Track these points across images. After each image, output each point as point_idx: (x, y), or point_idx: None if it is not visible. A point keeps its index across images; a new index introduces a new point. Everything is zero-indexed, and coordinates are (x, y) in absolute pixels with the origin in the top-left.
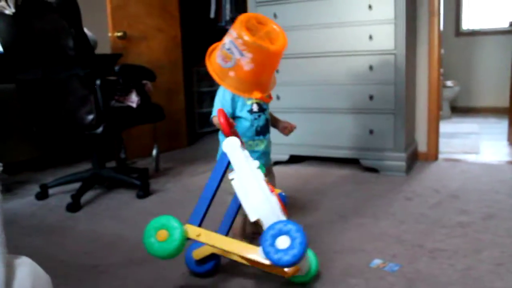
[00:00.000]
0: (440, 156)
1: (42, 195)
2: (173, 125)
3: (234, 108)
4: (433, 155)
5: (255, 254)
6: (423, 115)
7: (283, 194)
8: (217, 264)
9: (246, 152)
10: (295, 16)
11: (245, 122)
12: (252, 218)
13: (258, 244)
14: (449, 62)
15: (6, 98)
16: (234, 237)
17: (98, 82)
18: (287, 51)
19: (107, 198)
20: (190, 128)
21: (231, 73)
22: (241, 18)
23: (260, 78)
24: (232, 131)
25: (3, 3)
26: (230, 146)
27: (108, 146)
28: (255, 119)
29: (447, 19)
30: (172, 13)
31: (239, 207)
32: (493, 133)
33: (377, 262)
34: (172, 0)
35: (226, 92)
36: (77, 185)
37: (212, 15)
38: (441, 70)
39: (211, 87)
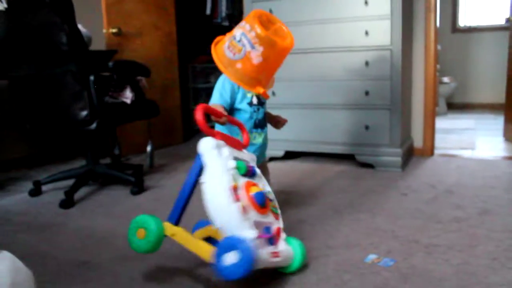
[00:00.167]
0: (436, 151)
1: (35, 191)
2: (168, 121)
3: (233, 99)
4: (429, 150)
5: (209, 259)
6: (419, 111)
7: (262, 193)
8: None
9: (227, 150)
10: (290, 11)
11: (245, 114)
12: (216, 225)
13: None
14: (446, 58)
15: None
16: None
17: (92, 78)
18: None
19: (101, 194)
20: (186, 125)
21: (239, 65)
22: (254, 12)
23: (264, 74)
24: (224, 121)
25: None
26: (204, 147)
27: (103, 143)
28: (254, 111)
29: (443, 15)
30: (167, 10)
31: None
32: (489, 129)
33: (372, 257)
34: None
35: (226, 82)
36: (70, 181)
37: (208, 11)
38: (438, 66)
39: (207, 84)
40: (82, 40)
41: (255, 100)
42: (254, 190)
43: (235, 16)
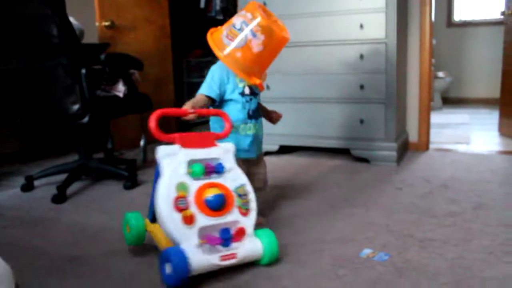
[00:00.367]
0: (431, 146)
1: (28, 186)
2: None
3: (222, 89)
4: (424, 145)
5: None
6: (414, 105)
7: (219, 195)
8: None
9: (182, 155)
10: (284, 4)
11: (236, 105)
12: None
13: None
14: (441, 53)
15: None
16: None
17: (83, 71)
18: None
19: (94, 189)
20: (180, 119)
21: (238, 54)
22: (253, 3)
23: (262, 64)
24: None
25: None
26: (158, 155)
27: (95, 137)
28: (247, 101)
29: (438, 10)
30: (161, 3)
31: None
32: (484, 123)
33: (367, 251)
34: None
35: (216, 72)
36: (63, 176)
37: (202, 5)
38: (433, 61)
39: (201, 78)
40: (74, 32)
41: (247, 90)
42: (209, 193)
43: (229, 10)
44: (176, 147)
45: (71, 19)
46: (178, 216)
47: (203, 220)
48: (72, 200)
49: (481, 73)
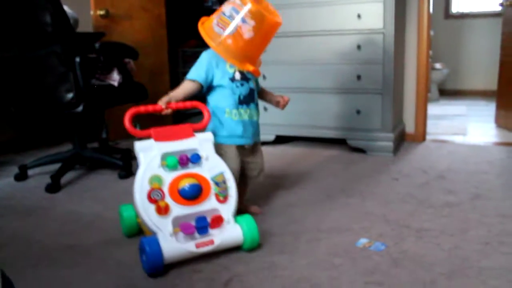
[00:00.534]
0: (428, 137)
1: (21, 176)
2: None
3: (210, 74)
4: (420, 136)
5: None
6: (411, 96)
7: (193, 184)
8: None
9: (156, 149)
10: None
11: (226, 90)
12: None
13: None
14: (438, 44)
15: None
16: None
17: (77, 59)
18: None
19: (88, 178)
20: (178, 110)
21: (229, 41)
22: None
23: (254, 50)
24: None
25: None
26: (136, 149)
27: (90, 127)
28: (237, 87)
29: (436, 1)
30: None
31: None
32: (481, 115)
33: (363, 241)
34: None
35: (204, 58)
36: (57, 166)
37: None
38: (430, 52)
39: None
40: (68, 21)
41: (237, 76)
42: (184, 183)
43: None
44: (151, 142)
45: (65, 7)
46: (152, 207)
47: (177, 209)
48: (66, 189)
49: (478, 65)
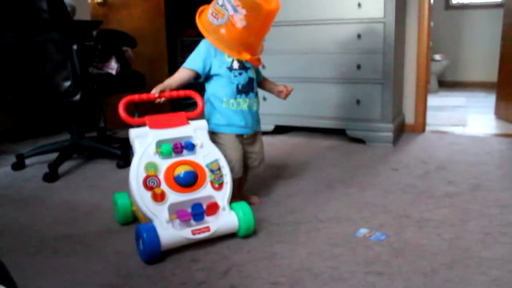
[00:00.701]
0: (427, 128)
1: (18, 165)
2: None
3: (207, 63)
4: (420, 127)
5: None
6: (411, 86)
7: (188, 171)
8: None
9: (150, 137)
10: None
11: (223, 80)
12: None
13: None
14: (438, 35)
15: None
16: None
17: (75, 47)
18: None
19: (86, 168)
20: (174, 99)
21: (223, 30)
22: None
23: (250, 39)
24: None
25: None
26: (131, 136)
27: (89, 116)
28: (235, 76)
29: None
30: None
31: None
32: (481, 106)
33: (363, 231)
34: None
35: (202, 47)
36: (55, 155)
37: None
38: (430, 43)
39: None
40: (64, 7)
41: (236, 65)
42: (179, 171)
43: None
44: (146, 129)
45: None
46: (148, 194)
47: (173, 196)
48: (64, 178)
49: (478, 57)
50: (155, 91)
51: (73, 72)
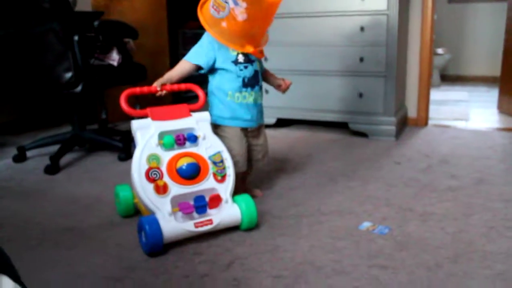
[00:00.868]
0: (430, 122)
1: (20, 157)
2: None
3: (211, 58)
4: (423, 120)
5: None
6: (413, 80)
7: (191, 164)
8: None
9: (153, 128)
10: None
11: (230, 74)
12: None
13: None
14: (441, 29)
15: None
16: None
17: (76, 38)
18: None
19: (88, 160)
20: (175, 92)
21: (224, 24)
22: None
23: (253, 31)
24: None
25: None
26: (134, 128)
27: (90, 108)
28: (241, 70)
29: None
30: None
31: None
32: (483, 101)
33: (366, 224)
34: None
35: (205, 41)
36: (56, 147)
37: None
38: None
39: None
40: None
41: (241, 58)
42: (182, 163)
43: None
44: (148, 120)
45: None
46: (150, 187)
47: (176, 189)
48: (65, 171)
49: (481, 51)
50: (156, 85)
51: (75, 63)
